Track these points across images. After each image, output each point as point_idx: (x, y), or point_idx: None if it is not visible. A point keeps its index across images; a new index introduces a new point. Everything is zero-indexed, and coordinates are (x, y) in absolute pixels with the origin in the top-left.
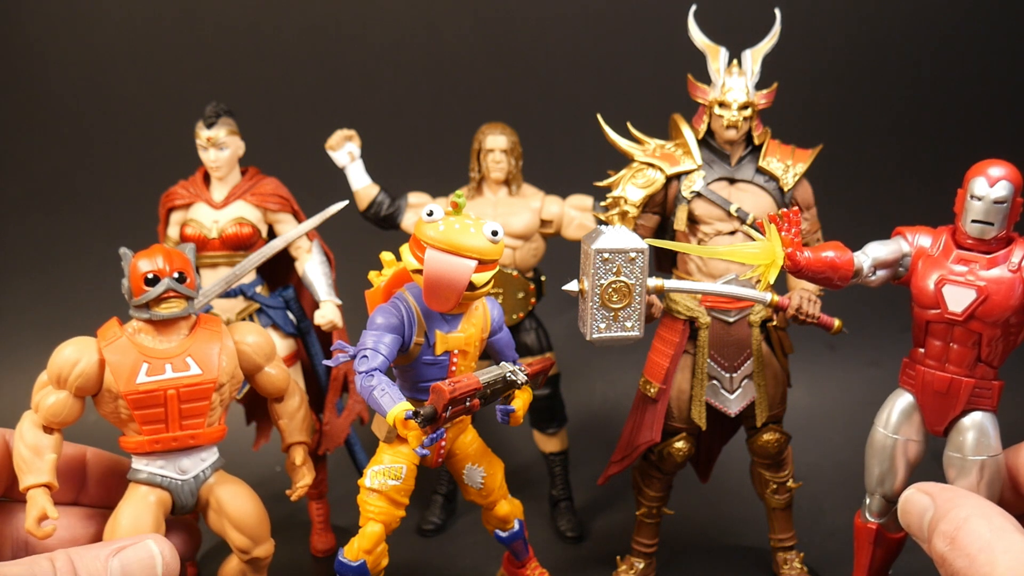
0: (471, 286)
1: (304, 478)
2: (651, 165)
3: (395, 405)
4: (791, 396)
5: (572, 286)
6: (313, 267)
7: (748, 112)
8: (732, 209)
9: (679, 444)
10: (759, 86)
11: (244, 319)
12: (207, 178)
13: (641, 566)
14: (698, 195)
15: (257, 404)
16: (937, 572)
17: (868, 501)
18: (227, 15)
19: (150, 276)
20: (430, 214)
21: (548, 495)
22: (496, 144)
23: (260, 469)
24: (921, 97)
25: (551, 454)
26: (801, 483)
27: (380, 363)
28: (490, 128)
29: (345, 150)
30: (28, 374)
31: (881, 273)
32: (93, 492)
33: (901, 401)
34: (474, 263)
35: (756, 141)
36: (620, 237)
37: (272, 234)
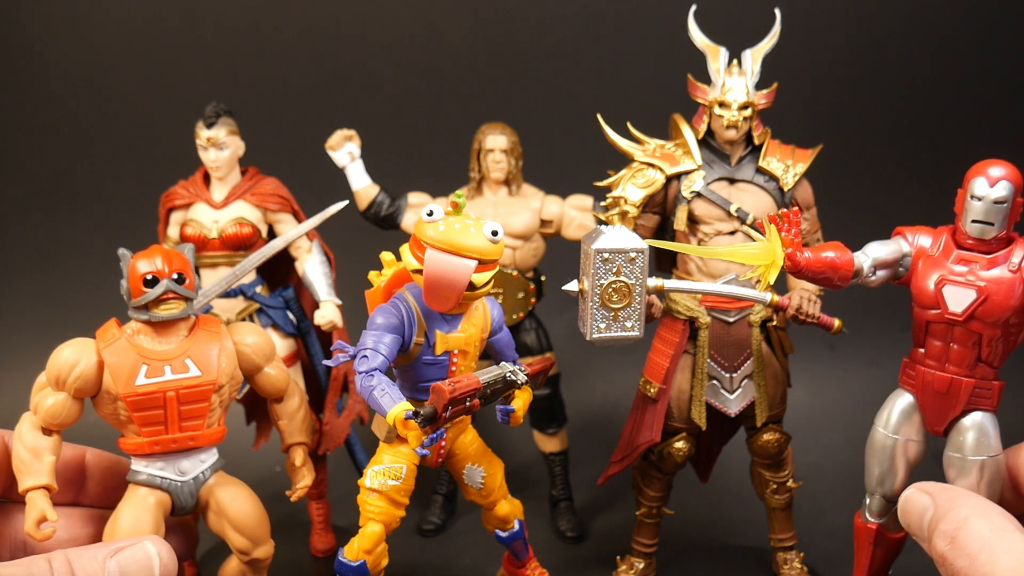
0: (471, 286)
1: (304, 479)
2: (651, 165)
3: (395, 405)
4: (791, 396)
5: (572, 286)
6: (313, 267)
7: (748, 112)
8: (732, 209)
9: (679, 444)
10: (759, 86)
11: (244, 319)
12: (207, 178)
13: (641, 566)
14: (698, 195)
15: (257, 404)
16: (937, 572)
17: (868, 501)
18: (227, 15)
19: (149, 277)
20: (430, 214)
21: (548, 495)
22: (496, 144)
23: (260, 469)
24: (921, 97)
25: (551, 454)
26: (801, 483)
27: (380, 363)
28: (490, 128)
29: (345, 150)
30: (28, 374)
31: (881, 273)
32: (93, 493)
33: (901, 401)
34: (474, 263)
35: (756, 141)
36: (620, 237)
37: (272, 234)
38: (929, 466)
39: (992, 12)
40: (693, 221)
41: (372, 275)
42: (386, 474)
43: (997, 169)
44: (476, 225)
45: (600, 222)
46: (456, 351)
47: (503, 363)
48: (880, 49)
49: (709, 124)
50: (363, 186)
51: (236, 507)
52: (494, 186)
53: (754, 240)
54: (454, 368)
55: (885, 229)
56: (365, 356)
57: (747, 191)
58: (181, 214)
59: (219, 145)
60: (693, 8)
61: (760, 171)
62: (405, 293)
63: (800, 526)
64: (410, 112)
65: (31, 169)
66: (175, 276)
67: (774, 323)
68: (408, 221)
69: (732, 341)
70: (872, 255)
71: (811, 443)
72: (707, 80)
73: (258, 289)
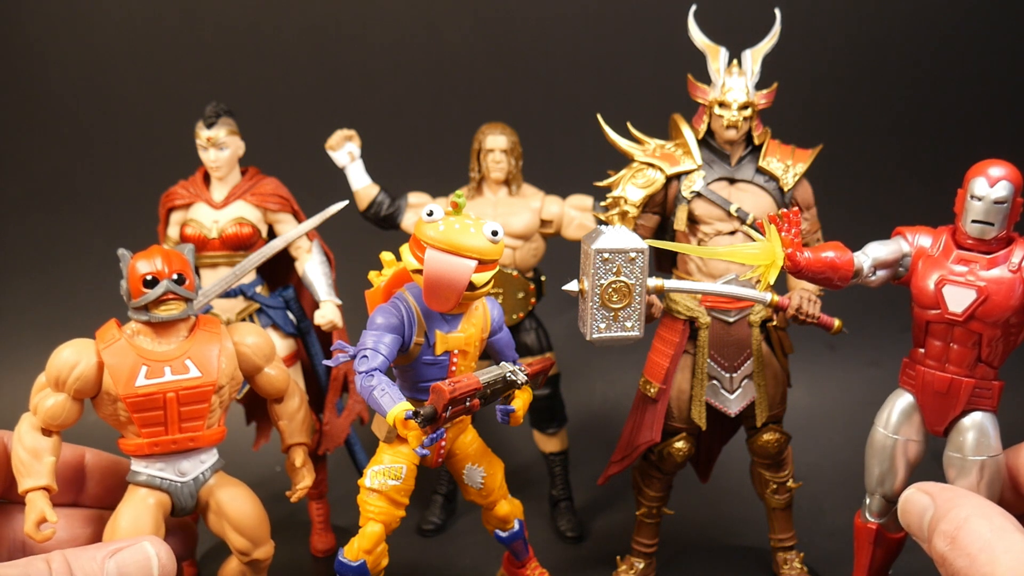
0: (471, 286)
1: (304, 479)
2: (651, 165)
3: (395, 405)
4: (791, 396)
5: (572, 286)
6: (313, 267)
7: (748, 112)
8: (732, 209)
9: (679, 444)
10: (759, 86)
11: (244, 319)
12: (207, 178)
13: (641, 566)
14: (698, 195)
15: (257, 404)
16: (937, 572)
17: (868, 501)
18: (227, 15)
19: (149, 278)
20: (430, 214)
21: (548, 495)
22: (496, 144)
23: (260, 469)
24: (921, 97)
25: (551, 454)
26: (801, 483)
27: (380, 363)
28: (490, 128)
29: (345, 150)
30: (28, 374)
31: (881, 273)
32: (92, 493)
33: (901, 401)
34: (474, 263)
35: (756, 141)
36: (620, 237)
37: (272, 234)
38: (929, 466)
39: (992, 12)
40: (693, 221)
41: (372, 275)
42: (386, 474)
43: (997, 169)
44: (476, 225)
45: (600, 222)
46: (456, 351)
47: (503, 363)
48: (880, 49)
49: (709, 124)
50: (363, 186)
51: (236, 507)
52: (494, 186)
53: (754, 240)
54: (454, 368)
55: (885, 229)
56: (365, 356)
57: (747, 191)
58: (181, 214)
59: (219, 145)
60: (693, 8)
61: (760, 171)
62: (405, 293)
63: (800, 526)
64: (410, 112)
65: (31, 169)
66: (175, 277)
67: (774, 323)
68: (408, 221)
69: (732, 341)
70: (872, 255)
71: (811, 443)
72: (707, 80)
73: (258, 289)
